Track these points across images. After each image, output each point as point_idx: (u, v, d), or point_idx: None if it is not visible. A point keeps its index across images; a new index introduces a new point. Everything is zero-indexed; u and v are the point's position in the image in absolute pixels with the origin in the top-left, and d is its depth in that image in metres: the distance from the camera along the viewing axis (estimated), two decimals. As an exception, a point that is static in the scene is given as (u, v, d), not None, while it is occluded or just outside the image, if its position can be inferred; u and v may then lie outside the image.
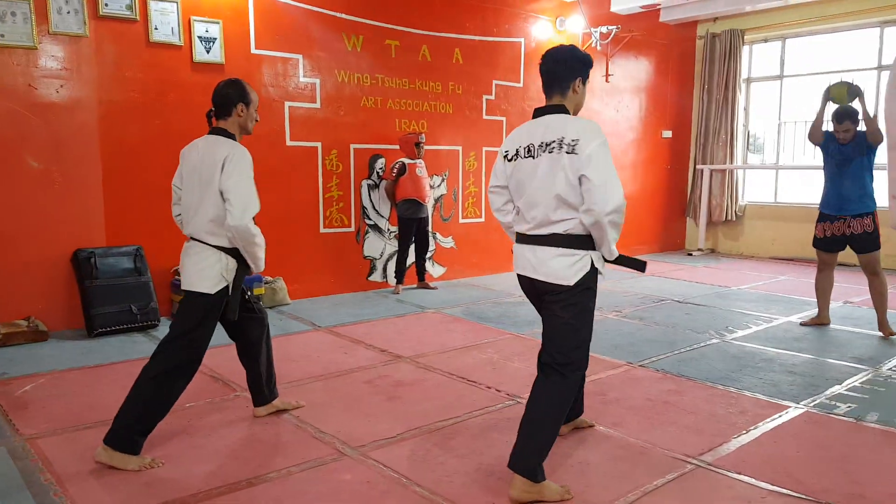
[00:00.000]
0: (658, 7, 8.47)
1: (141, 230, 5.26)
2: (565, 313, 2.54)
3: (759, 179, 9.50)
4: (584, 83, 2.65)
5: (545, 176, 2.50)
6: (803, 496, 2.50)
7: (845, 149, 4.73)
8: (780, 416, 3.31)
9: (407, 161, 6.31)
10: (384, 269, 6.74)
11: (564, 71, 2.60)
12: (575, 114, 2.64)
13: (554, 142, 2.49)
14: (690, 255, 9.26)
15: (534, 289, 2.64)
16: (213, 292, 2.84)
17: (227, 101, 2.94)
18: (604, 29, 7.92)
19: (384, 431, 3.13)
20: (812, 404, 3.47)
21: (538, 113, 2.64)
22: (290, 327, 5.15)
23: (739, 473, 2.69)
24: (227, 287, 2.88)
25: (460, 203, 7.29)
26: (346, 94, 6.26)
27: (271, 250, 5.93)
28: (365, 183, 6.51)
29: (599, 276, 2.62)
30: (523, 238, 2.64)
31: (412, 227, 6.43)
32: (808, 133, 5.02)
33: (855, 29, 8.16)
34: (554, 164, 2.48)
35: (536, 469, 2.46)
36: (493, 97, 7.34)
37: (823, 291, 5.08)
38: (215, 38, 5.47)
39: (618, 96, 8.63)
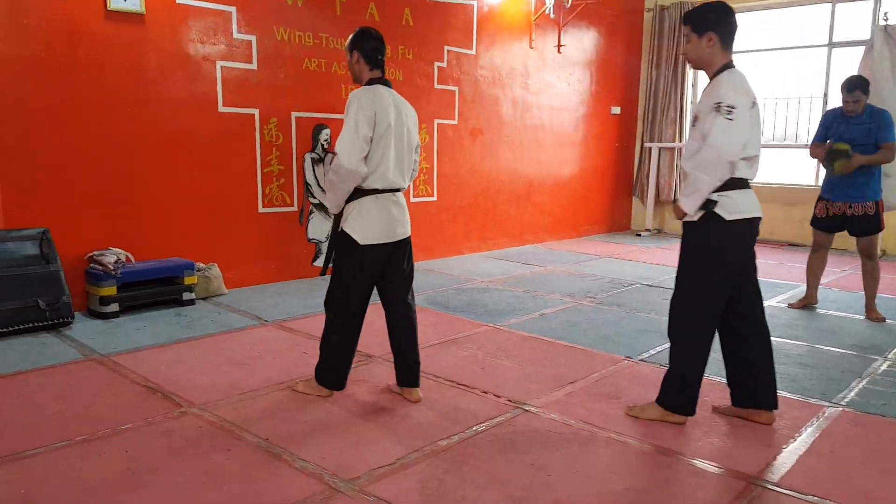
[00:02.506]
0: (609, -24, 8.11)
1: (47, 210, 4.36)
2: None
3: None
4: None
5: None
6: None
7: (854, 130, 4.48)
8: (818, 419, 2.98)
9: (357, 132, 5.65)
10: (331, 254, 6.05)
11: None
12: None
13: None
14: (639, 235, 9.07)
15: (755, 232, 2.83)
16: None
17: (384, 52, 3.04)
18: (558, -5, 7.46)
19: (380, 456, 2.56)
20: (844, 402, 3.17)
21: (735, 66, 2.79)
22: (232, 322, 4.43)
23: (812, 495, 2.30)
24: None
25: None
26: (287, 54, 5.50)
27: (204, 233, 5.19)
28: (308, 156, 5.79)
29: None
30: (748, 183, 2.80)
31: None
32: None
33: (807, 4, 8.08)
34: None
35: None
36: (444, 64, 6.74)
37: (815, 272, 4.90)
38: (133, -18, 4.59)
39: (569, 69, 8.22)
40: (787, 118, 8.42)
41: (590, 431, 2.82)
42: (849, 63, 7.47)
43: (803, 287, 5.23)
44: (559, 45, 7.82)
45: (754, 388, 2.90)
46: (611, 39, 8.75)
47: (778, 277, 6.12)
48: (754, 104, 2.75)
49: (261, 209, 5.50)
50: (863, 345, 4.11)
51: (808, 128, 8.14)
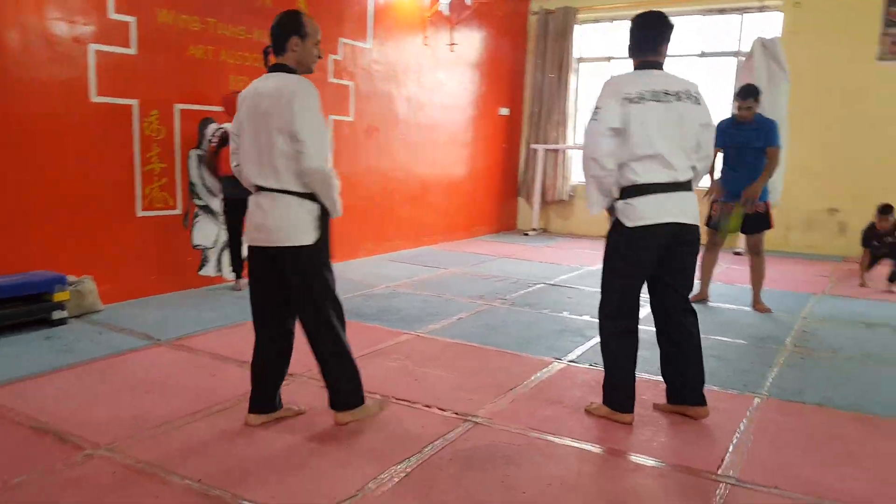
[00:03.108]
0: (495, -23, 8.18)
1: None
2: (695, 250, 2.88)
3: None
4: None
5: (685, 123, 2.71)
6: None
7: (744, 134, 4.74)
8: (749, 411, 3.10)
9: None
10: (219, 261, 5.57)
11: (669, 35, 2.84)
12: None
13: (682, 92, 2.73)
14: (526, 234, 9.24)
15: (670, 237, 2.74)
16: (313, 242, 2.63)
17: (280, 34, 2.70)
18: (453, -7, 7.39)
19: (336, 489, 2.29)
20: (764, 391, 3.34)
21: (648, 66, 2.79)
22: (118, 343, 3.89)
23: (774, 487, 2.37)
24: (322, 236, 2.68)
25: (303, 180, 6.30)
26: (170, 38, 4.95)
27: (73, 241, 4.54)
28: (193, 153, 5.26)
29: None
30: (664, 187, 2.71)
31: (239, 208, 5.25)
32: None
33: (679, 15, 8.58)
34: (691, 112, 2.73)
35: None
36: (340, 57, 6.44)
37: (708, 269, 5.19)
38: (-18, -54, 3.89)
39: (462, 68, 8.18)
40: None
41: (546, 440, 2.73)
42: (720, 73, 8.09)
43: (696, 283, 5.53)
44: (452, 44, 7.76)
45: (682, 388, 2.99)
46: (499, 41, 8.83)
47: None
48: (638, 100, 2.66)
49: (140, 212, 4.92)
50: (759, 335, 4.39)
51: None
